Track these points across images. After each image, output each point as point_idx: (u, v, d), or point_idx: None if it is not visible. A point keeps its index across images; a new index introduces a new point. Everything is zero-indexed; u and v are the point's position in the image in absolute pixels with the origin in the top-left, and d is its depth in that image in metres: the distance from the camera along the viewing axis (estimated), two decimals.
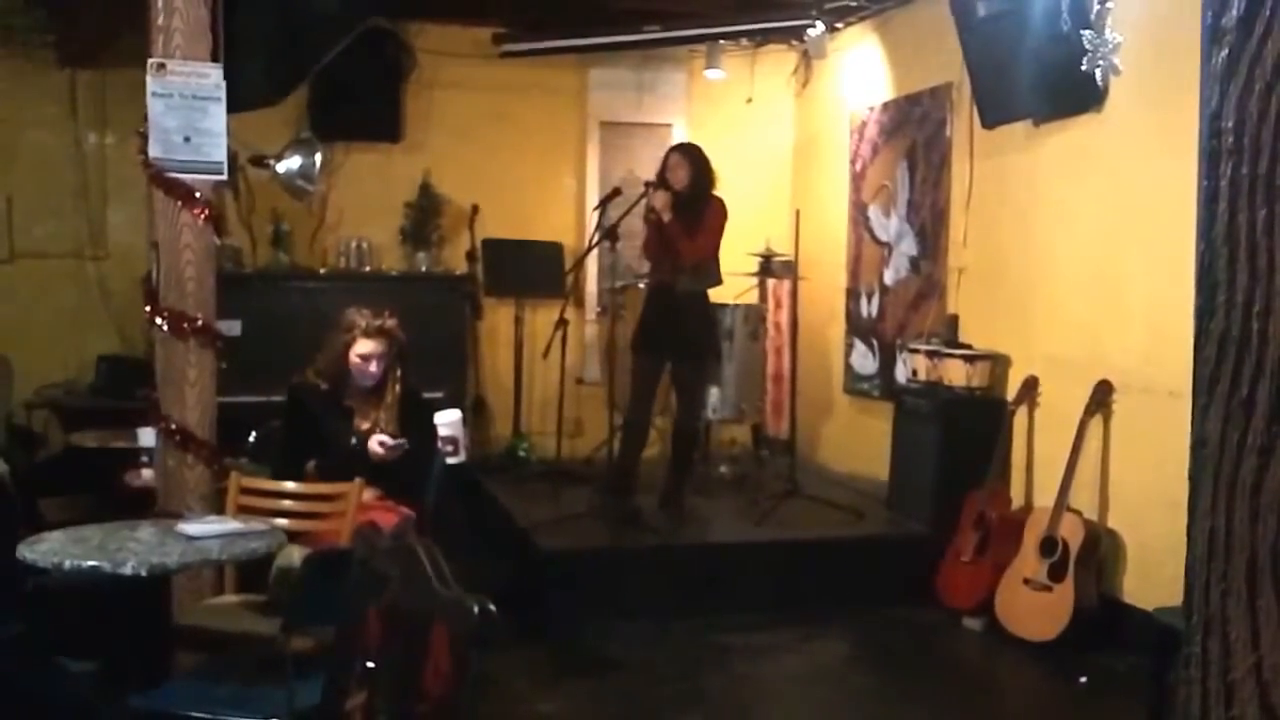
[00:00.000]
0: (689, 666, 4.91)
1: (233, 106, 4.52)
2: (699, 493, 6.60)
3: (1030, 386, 5.68)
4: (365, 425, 4.56)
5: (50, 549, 3.37)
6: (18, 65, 7.10)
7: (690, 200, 5.93)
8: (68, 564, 3.27)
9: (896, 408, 6.35)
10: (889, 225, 7.03)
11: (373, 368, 4.56)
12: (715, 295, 7.05)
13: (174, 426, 4.49)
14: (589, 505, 6.12)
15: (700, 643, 5.15)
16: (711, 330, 6.34)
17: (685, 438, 6.25)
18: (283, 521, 4.03)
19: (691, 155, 6.04)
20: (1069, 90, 5.27)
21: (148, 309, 4.57)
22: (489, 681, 4.43)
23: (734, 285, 7.19)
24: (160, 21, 4.42)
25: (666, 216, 5.86)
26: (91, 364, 7.07)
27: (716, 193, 6.05)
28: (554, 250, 7.61)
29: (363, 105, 7.45)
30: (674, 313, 6.00)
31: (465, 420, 4.71)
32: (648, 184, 6.05)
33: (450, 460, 4.39)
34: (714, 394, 7.04)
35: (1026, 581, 5.16)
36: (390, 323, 4.62)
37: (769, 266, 7.16)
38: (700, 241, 5.93)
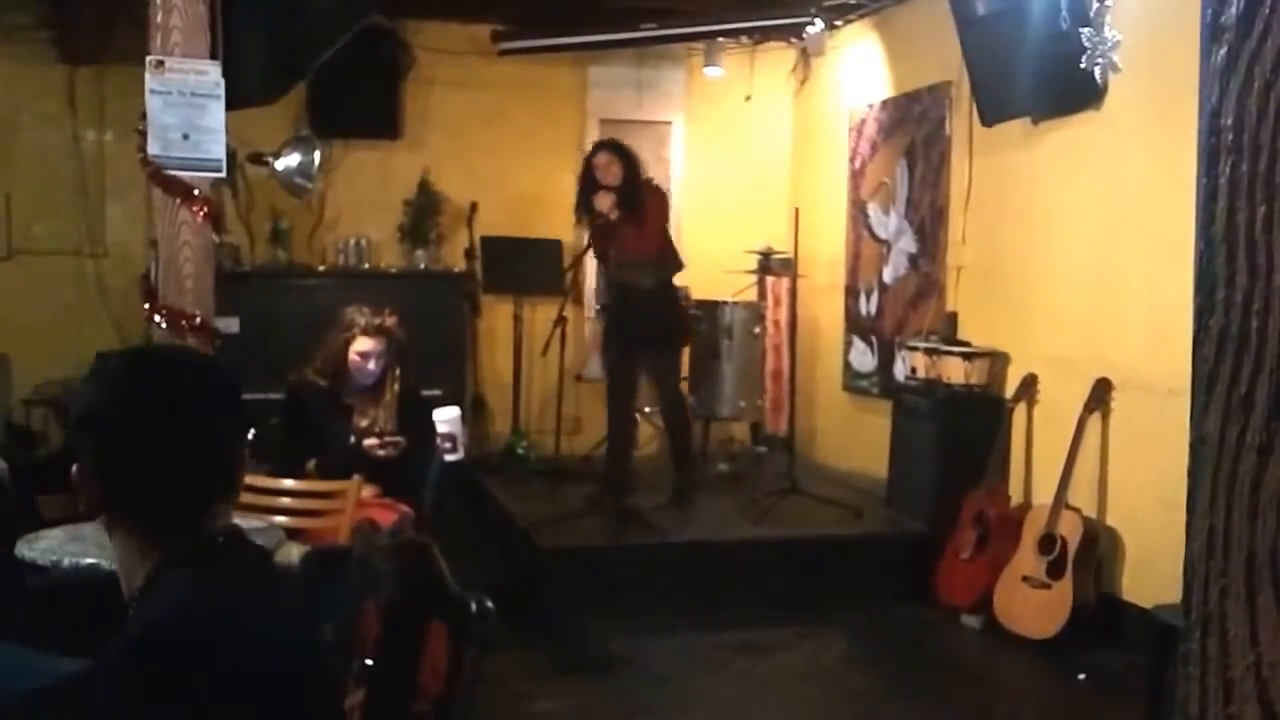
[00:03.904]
0: (688, 664, 4.91)
1: (231, 104, 4.51)
2: (698, 490, 6.60)
3: (1029, 384, 5.68)
4: (364, 423, 4.57)
5: (49, 547, 3.37)
6: (16, 62, 7.10)
7: (629, 194, 5.91)
8: (66, 561, 3.27)
9: (895, 405, 6.35)
10: (888, 223, 7.03)
11: (372, 366, 4.57)
12: (714, 293, 7.07)
13: None
14: (585, 504, 6.12)
15: (699, 640, 5.15)
16: (683, 317, 6.32)
17: (678, 428, 6.27)
18: (281, 519, 4.03)
19: (619, 150, 6.01)
20: (1068, 88, 5.27)
21: (146, 306, 4.57)
22: (487, 680, 4.42)
23: (733, 283, 7.20)
24: (159, 19, 4.41)
25: (615, 215, 5.85)
26: (90, 362, 7.05)
27: (650, 179, 6.09)
28: (553, 248, 7.61)
29: (361, 103, 7.45)
30: (643, 310, 5.99)
31: (464, 418, 4.70)
32: (583, 196, 6.00)
33: (448, 458, 4.39)
34: (714, 392, 7.05)
35: (1025, 579, 5.16)
36: (390, 321, 4.63)
37: (768, 264, 7.16)
38: (649, 231, 5.94)
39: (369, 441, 4.47)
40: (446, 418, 4.37)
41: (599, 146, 6.16)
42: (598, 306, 7.90)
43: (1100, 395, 5.17)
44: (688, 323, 6.55)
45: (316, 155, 5.91)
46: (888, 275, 7.04)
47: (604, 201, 5.88)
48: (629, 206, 5.89)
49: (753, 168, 8.18)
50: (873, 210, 7.21)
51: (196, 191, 4.45)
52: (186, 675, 1.46)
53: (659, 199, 6.06)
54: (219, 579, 1.57)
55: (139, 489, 1.58)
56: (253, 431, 5.12)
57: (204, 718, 1.46)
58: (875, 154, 7.20)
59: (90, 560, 3.25)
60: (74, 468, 1.61)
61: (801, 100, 8.31)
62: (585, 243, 6.67)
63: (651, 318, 6.00)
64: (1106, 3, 5.04)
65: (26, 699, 2.93)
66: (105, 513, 1.62)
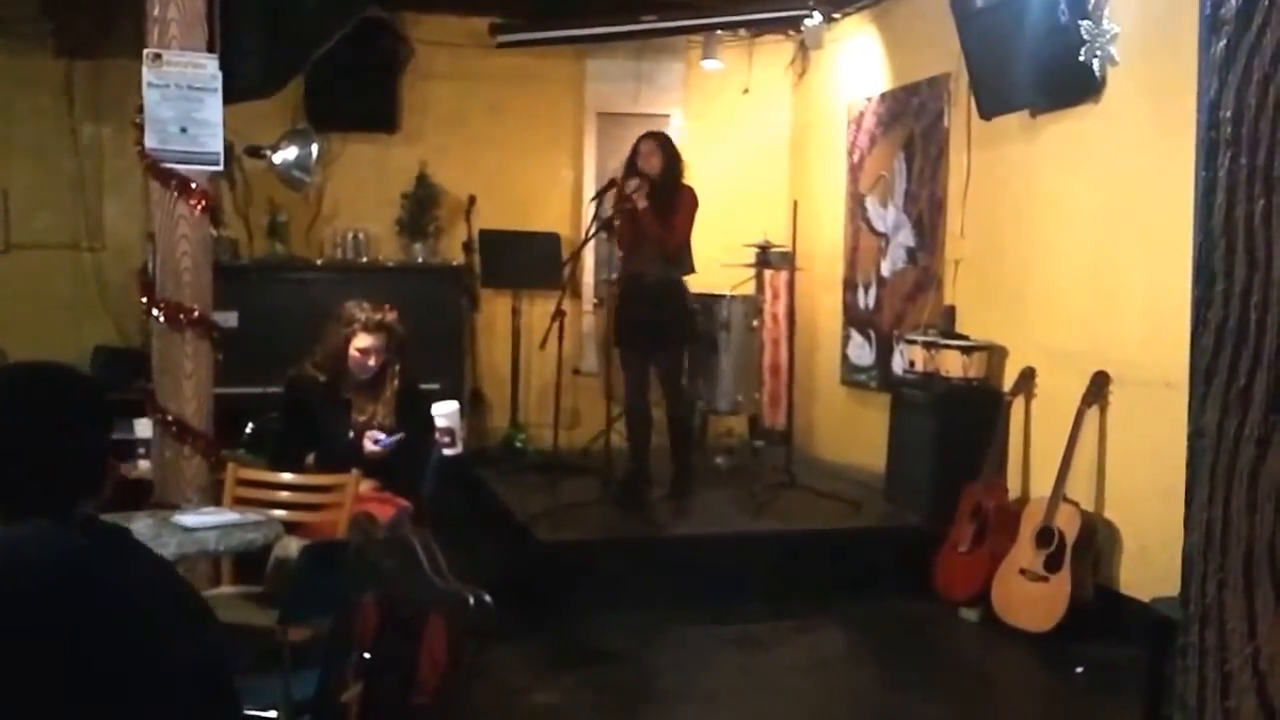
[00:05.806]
0: (686, 658, 4.92)
1: (229, 97, 4.51)
2: (696, 484, 6.60)
3: (1027, 377, 5.68)
4: (363, 418, 4.57)
5: None
6: (14, 55, 7.08)
7: (663, 188, 5.95)
8: None
9: (893, 399, 6.35)
10: (886, 216, 7.03)
11: (371, 361, 4.56)
12: (712, 286, 7.06)
13: (171, 418, 4.49)
14: (603, 494, 6.12)
15: (697, 634, 5.15)
16: (687, 317, 6.34)
17: (678, 425, 6.30)
18: (280, 513, 4.04)
19: (664, 143, 6.09)
20: (1067, 81, 5.26)
21: (144, 300, 4.57)
22: (485, 673, 4.43)
23: (731, 276, 7.20)
24: (156, 12, 4.41)
25: (642, 204, 5.87)
26: (88, 355, 7.06)
27: (686, 182, 6.09)
28: (551, 241, 7.60)
29: (359, 96, 7.44)
30: (648, 302, 6.04)
31: (462, 412, 4.71)
32: (614, 179, 6.07)
33: (447, 452, 4.39)
34: (712, 386, 7.05)
35: (1023, 572, 5.16)
36: (390, 317, 4.62)
37: (766, 258, 7.14)
38: (674, 229, 5.96)
39: (371, 435, 4.47)
40: (445, 412, 4.38)
41: (647, 135, 6.23)
42: (596, 300, 7.90)
43: (1098, 388, 5.18)
44: (692, 323, 6.52)
45: (314, 148, 5.89)
46: (886, 269, 7.04)
47: (633, 184, 5.91)
48: (658, 199, 5.92)
49: (751, 161, 8.17)
50: (871, 203, 7.21)
51: (194, 185, 4.45)
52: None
53: (690, 202, 6.07)
54: (61, 529, 1.75)
55: (6, 486, 1.77)
56: (251, 425, 5.14)
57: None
58: (874, 147, 7.19)
59: None
60: None
61: (800, 93, 8.30)
62: (586, 233, 6.66)
63: (656, 312, 6.03)
64: None
65: None
66: None
